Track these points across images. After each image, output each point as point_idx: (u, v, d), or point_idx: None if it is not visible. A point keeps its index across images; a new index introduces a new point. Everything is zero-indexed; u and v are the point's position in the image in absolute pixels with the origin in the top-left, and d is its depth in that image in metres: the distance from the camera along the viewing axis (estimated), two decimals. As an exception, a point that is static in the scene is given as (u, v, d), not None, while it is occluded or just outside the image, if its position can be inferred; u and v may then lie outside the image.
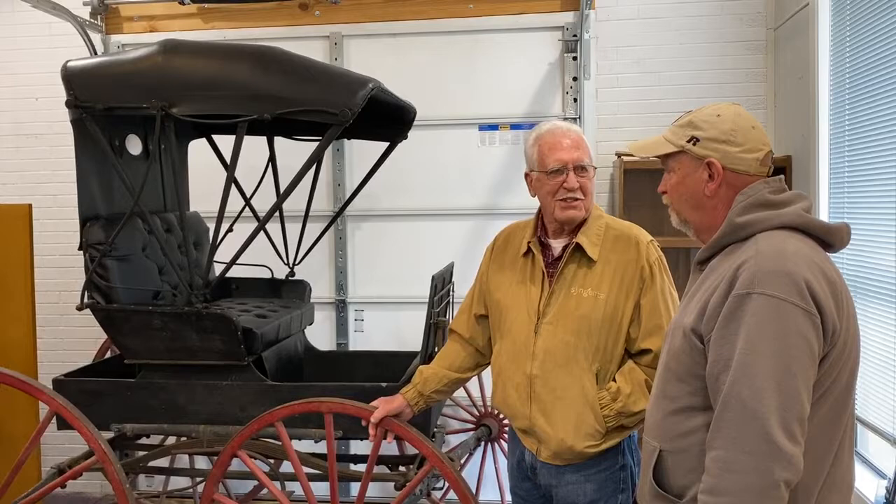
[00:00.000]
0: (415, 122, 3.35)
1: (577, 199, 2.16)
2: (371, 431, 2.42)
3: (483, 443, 3.74)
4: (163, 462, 3.70)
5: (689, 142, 1.61)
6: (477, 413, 3.82)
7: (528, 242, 2.25)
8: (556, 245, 2.23)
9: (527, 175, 2.28)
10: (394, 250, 4.34)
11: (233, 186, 2.83)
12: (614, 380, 2.14)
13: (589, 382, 2.12)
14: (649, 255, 2.16)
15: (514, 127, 4.20)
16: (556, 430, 2.14)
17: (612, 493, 2.17)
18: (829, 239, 1.52)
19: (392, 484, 2.78)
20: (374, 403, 2.45)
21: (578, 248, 2.17)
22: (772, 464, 1.34)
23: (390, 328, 4.34)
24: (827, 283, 1.42)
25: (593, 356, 2.13)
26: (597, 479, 2.16)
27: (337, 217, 3.76)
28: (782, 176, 1.61)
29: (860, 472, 2.92)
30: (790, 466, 1.35)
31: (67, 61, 2.83)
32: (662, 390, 1.61)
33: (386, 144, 3.43)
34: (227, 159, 3.09)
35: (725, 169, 1.58)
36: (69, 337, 4.55)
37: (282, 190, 3.17)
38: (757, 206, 1.53)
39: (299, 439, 2.72)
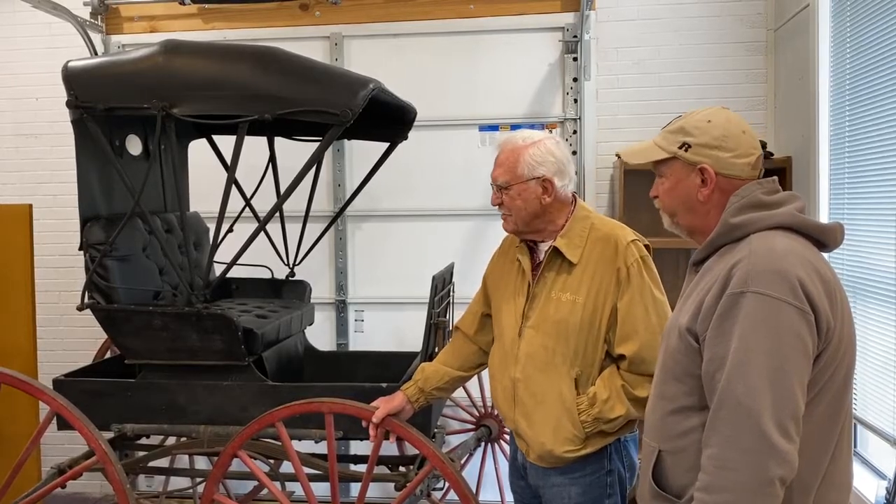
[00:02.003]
0: (415, 123, 3.35)
1: (505, 214, 2.22)
2: (371, 432, 2.42)
3: (483, 443, 3.74)
4: (163, 462, 3.70)
5: (680, 148, 1.61)
6: (477, 413, 3.82)
7: (516, 248, 2.28)
8: (543, 248, 2.23)
9: None
10: (394, 251, 4.35)
11: (233, 187, 2.83)
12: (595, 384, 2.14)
13: (566, 387, 2.11)
14: (627, 257, 2.11)
15: (515, 127, 4.19)
16: (536, 434, 2.14)
17: (597, 498, 2.16)
18: (823, 238, 1.53)
19: (392, 484, 2.79)
20: (374, 403, 2.46)
21: (558, 251, 2.16)
22: (766, 461, 1.35)
23: (390, 329, 4.35)
24: (821, 282, 1.43)
25: (572, 361, 2.12)
26: (581, 483, 2.15)
27: (337, 217, 3.77)
28: (776, 177, 1.61)
29: (860, 472, 2.92)
30: (785, 463, 1.36)
31: (68, 61, 2.83)
32: (660, 391, 1.62)
33: (386, 145, 3.43)
34: (228, 160, 3.09)
35: (718, 174, 1.58)
36: (69, 337, 4.55)
37: (282, 190, 3.18)
38: (751, 206, 1.54)
39: (299, 440, 2.72)
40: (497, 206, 2.23)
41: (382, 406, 2.41)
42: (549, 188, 2.16)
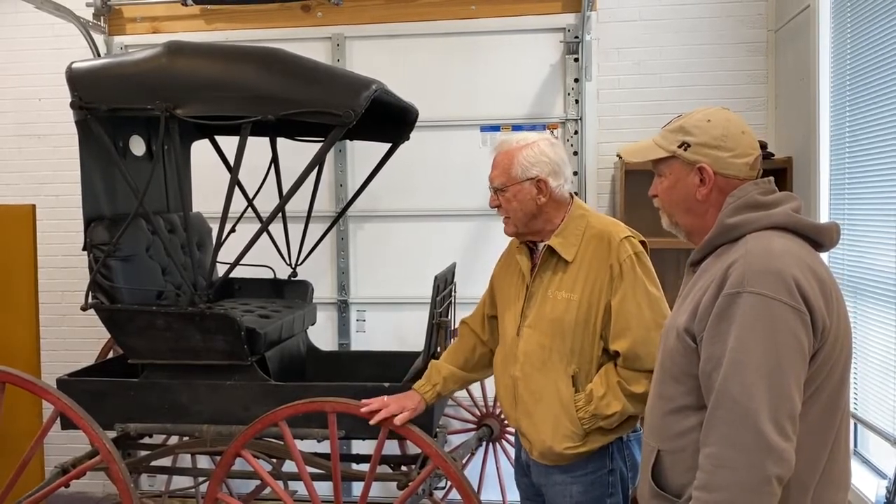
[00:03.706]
0: (417, 123, 3.36)
1: (505, 218, 2.24)
2: (383, 427, 2.41)
3: (484, 443, 3.75)
4: (165, 462, 3.71)
5: (680, 147, 1.62)
6: (478, 413, 3.83)
7: (517, 247, 2.29)
8: (541, 248, 2.25)
9: None
10: (396, 251, 4.36)
11: (236, 187, 2.84)
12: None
13: (564, 385, 2.12)
14: (620, 254, 2.11)
15: (516, 128, 4.21)
16: (537, 432, 2.15)
17: (598, 497, 2.16)
18: (819, 238, 1.54)
19: (394, 484, 2.80)
20: (386, 403, 2.42)
21: (553, 250, 2.17)
22: (763, 459, 1.36)
23: (392, 329, 4.36)
24: (816, 281, 1.44)
25: (569, 358, 2.13)
26: (583, 482, 2.16)
27: (339, 218, 3.78)
28: (772, 177, 1.62)
29: (861, 472, 2.93)
30: (781, 462, 1.36)
31: (72, 62, 2.84)
32: (659, 391, 1.63)
33: (388, 145, 3.44)
34: (230, 160, 3.10)
35: (716, 174, 1.59)
36: (72, 337, 4.56)
37: (284, 191, 3.18)
38: (747, 207, 1.55)
39: (302, 439, 2.73)
40: (496, 209, 2.25)
41: (407, 411, 2.39)
42: (543, 188, 2.18)
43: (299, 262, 3.63)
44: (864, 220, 2.98)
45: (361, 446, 3.55)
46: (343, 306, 4.40)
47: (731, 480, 1.38)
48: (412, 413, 2.40)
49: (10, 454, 3.51)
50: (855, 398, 3.01)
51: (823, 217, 3.34)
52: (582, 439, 2.12)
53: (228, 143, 3.21)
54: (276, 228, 3.50)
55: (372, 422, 2.42)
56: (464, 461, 3.63)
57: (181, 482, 4.18)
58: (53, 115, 4.44)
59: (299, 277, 3.64)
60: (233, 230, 3.41)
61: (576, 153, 4.13)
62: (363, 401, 2.46)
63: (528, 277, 2.23)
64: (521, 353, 2.18)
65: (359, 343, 4.40)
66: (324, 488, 2.77)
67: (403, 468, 3.02)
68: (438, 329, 2.88)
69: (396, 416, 2.38)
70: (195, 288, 2.82)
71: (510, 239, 2.39)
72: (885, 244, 2.78)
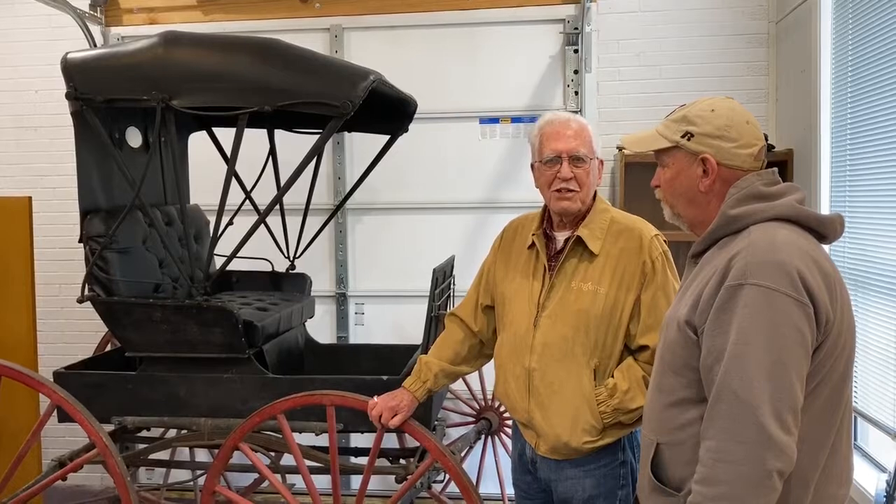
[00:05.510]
0: (415, 115, 3.34)
1: (570, 191, 2.14)
2: (378, 426, 2.40)
3: (483, 436, 3.75)
4: (163, 455, 3.70)
5: (682, 137, 1.60)
6: (477, 406, 3.83)
7: (533, 235, 2.24)
8: (560, 238, 2.21)
9: (531, 166, 2.27)
10: (394, 244, 4.34)
11: (233, 179, 2.82)
12: (613, 375, 2.13)
13: (586, 378, 2.10)
14: (652, 251, 2.12)
15: (515, 120, 4.20)
16: (552, 425, 2.12)
17: (611, 490, 2.15)
18: (823, 230, 1.52)
19: (393, 477, 2.79)
20: (381, 404, 2.40)
21: (580, 241, 2.15)
22: (764, 453, 1.35)
23: (391, 321, 4.35)
24: (820, 274, 1.42)
25: (592, 351, 2.11)
26: (596, 475, 2.14)
27: (337, 210, 3.76)
28: (776, 168, 1.60)
29: (860, 466, 2.93)
30: (782, 456, 1.35)
31: (67, 53, 2.82)
32: (658, 383, 1.62)
33: (386, 137, 3.42)
34: (228, 152, 3.09)
35: (720, 164, 1.57)
36: (69, 330, 4.55)
37: (282, 183, 3.17)
38: (750, 198, 1.53)
39: (300, 432, 2.73)
40: (564, 182, 2.14)
41: (400, 413, 2.36)
42: (601, 171, 2.23)
43: (297, 255, 3.61)
44: (866, 212, 2.97)
45: (360, 439, 3.55)
46: (341, 299, 4.38)
47: (732, 474, 1.37)
48: (405, 416, 2.37)
49: (6, 447, 3.51)
50: (855, 391, 3.00)
51: (824, 209, 3.33)
52: (600, 433, 2.10)
53: (226, 135, 3.19)
54: (274, 221, 3.49)
55: (379, 425, 2.41)
56: (462, 455, 3.63)
57: (179, 475, 4.18)
58: (50, 106, 4.43)
59: (297, 270, 3.62)
60: (230, 223, 3.40)
61: (575, 145, 4.10)
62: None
63: (548, 267, 2.19)
64: (539, 343, 2.13)
65: (357, 336, 4.40)
66: (322, 482, 2.76)
67: (402, 461, 3.01)
68: (437, 322, 2.87)
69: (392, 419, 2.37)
70: (192, 280, 2.81)
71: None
72: (887, 236, 2.77)
